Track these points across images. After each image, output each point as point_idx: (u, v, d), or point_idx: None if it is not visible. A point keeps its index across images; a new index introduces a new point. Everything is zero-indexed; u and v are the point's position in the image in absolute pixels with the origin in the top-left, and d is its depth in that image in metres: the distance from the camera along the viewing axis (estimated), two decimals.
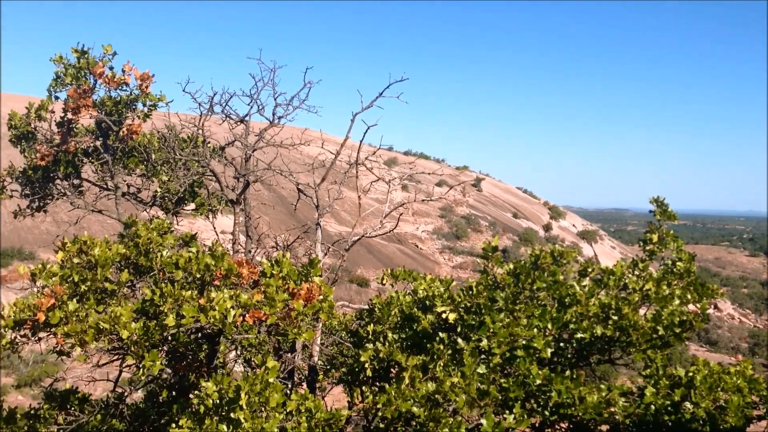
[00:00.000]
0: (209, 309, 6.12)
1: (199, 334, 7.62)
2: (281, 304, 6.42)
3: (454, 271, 63.92)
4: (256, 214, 9.72)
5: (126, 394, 8.42)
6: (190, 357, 8.25)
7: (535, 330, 6.84)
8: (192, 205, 9.88)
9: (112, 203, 9.73)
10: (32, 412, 8.90)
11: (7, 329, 7.15)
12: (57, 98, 8.62)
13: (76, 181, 9.33)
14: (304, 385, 10.25)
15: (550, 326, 6.99)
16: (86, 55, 8.14)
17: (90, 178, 9.69)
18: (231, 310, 6.18)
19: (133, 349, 6.20)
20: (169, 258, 6.77)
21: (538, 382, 6.63)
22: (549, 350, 6.75)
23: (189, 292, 6.22)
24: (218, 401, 5.91)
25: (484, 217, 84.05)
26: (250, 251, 9.35)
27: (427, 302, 7.51)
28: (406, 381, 6.31)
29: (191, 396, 8.02)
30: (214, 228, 9.35)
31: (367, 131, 8.77)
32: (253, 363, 10.40)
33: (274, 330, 6.65)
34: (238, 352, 9.71)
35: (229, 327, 6.14)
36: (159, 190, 9.50)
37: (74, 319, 6.29)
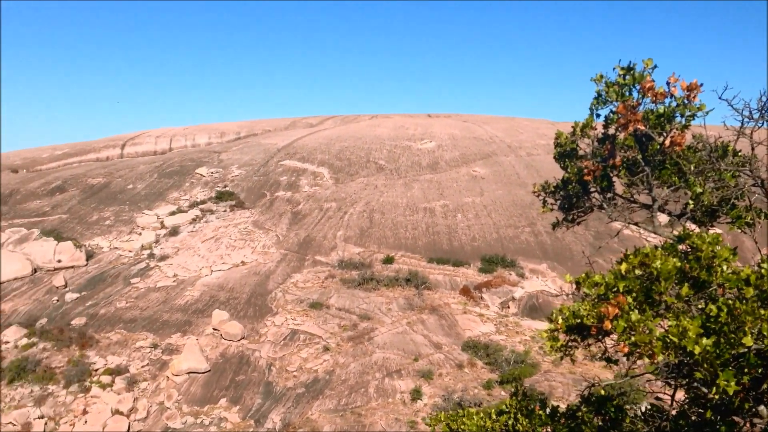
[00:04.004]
0: None
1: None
2: None
3: None
4: None
5: (670, 409, 8.32)
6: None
7: None
8: (726, 218, 9.32)
9: (636, 216, 9.79)
10: (569, 412, 9.50)
11: (559, 332, 7.73)
12: (598, 116, 9.02)
13: (608, 195, 9.63)
14: None
15: None
16: (632, 72, 8.33)
17: (616, 191, 9.91)
18: None
19: (704, 366, 6.02)
20: (733, 274, 6.42)
21: None
22: None
23: (766, 311, 5.79)
24: None
25: None
26: None
27: None
28: None
29: (735, 419, 7.53)
30: (756, 241, 8.64)
31: None
32: None
33: None
34: None
35: None
36: (691, 202, 9.21)
37: (640, 329, 6.39)
